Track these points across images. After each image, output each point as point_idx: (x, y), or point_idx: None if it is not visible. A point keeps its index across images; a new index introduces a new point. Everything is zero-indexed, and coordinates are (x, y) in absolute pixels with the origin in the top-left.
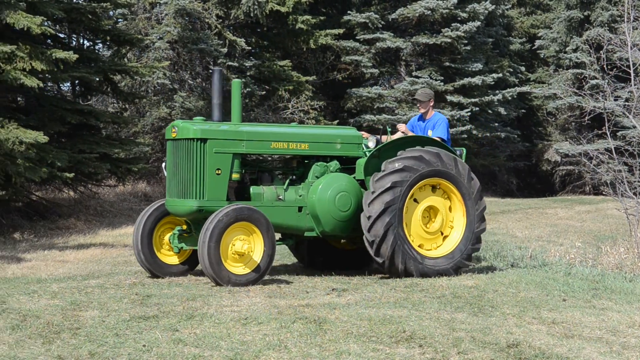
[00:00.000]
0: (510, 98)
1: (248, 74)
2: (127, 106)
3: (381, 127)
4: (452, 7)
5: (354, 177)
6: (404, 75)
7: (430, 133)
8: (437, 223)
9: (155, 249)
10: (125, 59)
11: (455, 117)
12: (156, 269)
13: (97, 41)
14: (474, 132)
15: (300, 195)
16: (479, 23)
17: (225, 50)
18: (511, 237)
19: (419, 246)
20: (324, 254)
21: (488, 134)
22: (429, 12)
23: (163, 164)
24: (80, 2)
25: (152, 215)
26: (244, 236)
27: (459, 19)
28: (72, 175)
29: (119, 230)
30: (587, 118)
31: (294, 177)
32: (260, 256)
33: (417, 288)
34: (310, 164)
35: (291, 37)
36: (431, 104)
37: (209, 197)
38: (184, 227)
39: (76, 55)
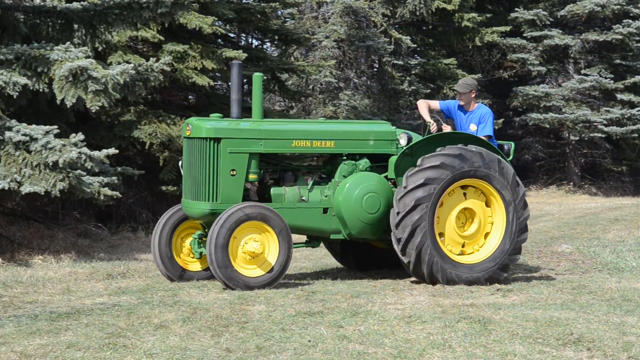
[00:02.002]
0: None
1: (413, 72)
2: (293, 104)
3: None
4: (624, 3)
5: (386, 176)
6: (572, 73)
7: (472, 127)
8: (473, 228)
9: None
10: (293, 58)
11: (626, 116)
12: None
13: (266, 40)
14: None
15: (325, 196)
16: None
17: (391, 48)
18: None
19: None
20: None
21: None
22: (599, 8)
23: (180, 163)
24: (250, 2)
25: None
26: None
27: (631, 15)
28: None
29: None
30: None
31: (320, 176)
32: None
33: (585, 290)
34: (338, 162)
35: (457, 34)
36: (473, 95)
37: (223, 200)
38: (204, 230)
39: (245, 54)
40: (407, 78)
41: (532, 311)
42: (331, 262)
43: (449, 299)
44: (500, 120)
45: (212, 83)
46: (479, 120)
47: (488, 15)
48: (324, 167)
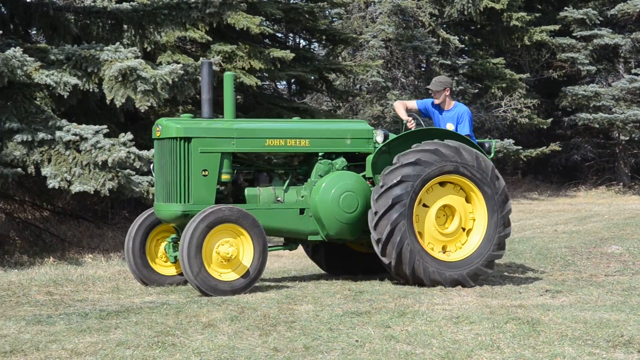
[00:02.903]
0: None
1: (461, 71)
2: (341, 104)
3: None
4: None
5: (363, 175)
6: (623, 72)
7: (449, 126)
8: (454, 225)
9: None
10: (340, 58)
11: None
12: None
13: (313, 40)
14: None
15: (302, 197)
16: None
17: (438, 47)
18: None
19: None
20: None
21: None
22: None
23: (151, 165)
24: (298, 2)
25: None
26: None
27: None
28: None
29: None
30: None
31: (296, 176)
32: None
33: (635, 292)
34: (314, 161)
35: (505, 34)
36: (447, 93)
37: (195, 201)
38: (178, 234)
39: (293, 54)
40: (455, 78)
41: (582, 312)
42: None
43: (497, 300)
44: (549, 120)
45: (259, 83)
46: (457, 119)
47: (537, 14)
48: (299, 167)
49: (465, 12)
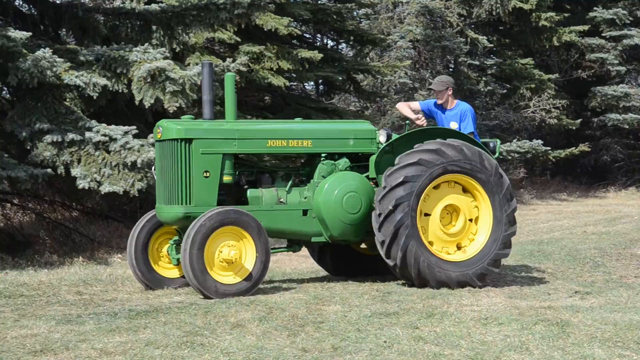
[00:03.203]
0: None
1: (489, 72)
2: (368, 105)
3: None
4: None
5: (367, 176)
6: None
7: (453, 125)
8: (459, 224)
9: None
10: (368, 58)
11: None
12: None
13: (341, 41)
14: None
15: (305, 198)
16: None
17: (466, 48)
18: None
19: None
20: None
21: None
22: None
23: (153, 168)
24: (326, 2)
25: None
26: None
27: None
28: None
29: None
30: None
31: (299, 177)
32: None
33: None
34: (316, 162)
35: (534, 34)
36: (449, 92)
37: (197, 202)
38: (180, 236)
39: (321, 55)
40: (483, 78)
41: (612, 314)
42: None
43: (525, 301)
44: (578, 121)
45: (287, 84)
46: (460, 118)
47: (566, 14)
48: (302, 168)
49: (494, 13)
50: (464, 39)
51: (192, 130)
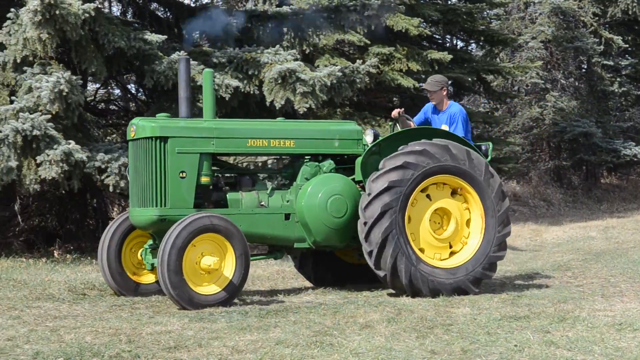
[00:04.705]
0: None
1: (624, 73)
2: (498, 106)
3: None
4: None
5: (353, 179)
6: None
7: (444, 127)
8: (450, 228)
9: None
10: (498, 59)
11: None
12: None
13: (471, 41)
14: None
15: (287, 201)
16: None
17: (600, 48)
18: None
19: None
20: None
21: None
22: None
23: (126, 169)
24: (456, 3)
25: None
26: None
27: None
28: None
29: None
30: None
31: (281, 180)
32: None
33: None
34: (300, 164)
35: None
36: (444, 93)
37: (172, 204)
38: (155, 241)
39: (450, 56)
40: (618, 79)
41: None
42: (536, 265)
43: None
44: None
45: (417, 85)
46: (450, 120)
47: None
48: (284, 170)
49: (630, 12)
50: (597, 39)
51: (168, 128)
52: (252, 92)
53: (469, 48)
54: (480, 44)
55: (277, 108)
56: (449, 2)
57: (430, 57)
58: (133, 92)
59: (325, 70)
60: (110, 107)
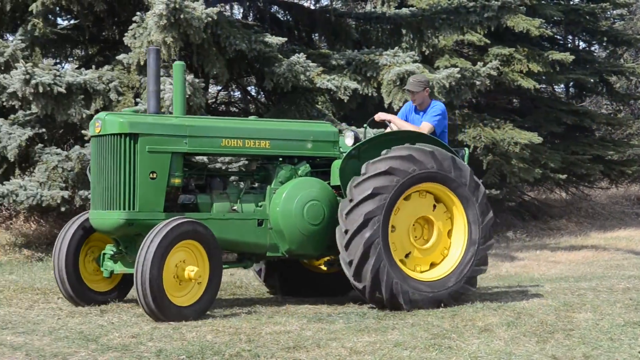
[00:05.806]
0: None
1: None
2: (621, 107)
3: None
4: None
5: (329, 183)
6: None
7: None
8: (432, 239)
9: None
10: (622, 60)
11: None
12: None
13: (593, 42)
14: None
15: (260, 206)
16: None
17: None
18: None
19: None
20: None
21: None
22: None
23: (88, 168)
24: (579, 3)
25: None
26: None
27: None
28: (564, 176)
29: (611, 233)
30: None
31: (253, 183)
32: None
33: None
34: (274, 166)
35: None
36: (427, 93)
37: (141, 208)
38: (115, 246)
39: (572, 57)
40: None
41: None
42: None
43: None
44: None
45: (537, 86)
46: (429, 112)
47: None
48: (257, 173)
49: None
50: None
51: (138, 124)
52: (370, 94)
53: (592, 48)
54: (604, 44)
55: (395, 110)
56: (571, 2)
57: (551, 58)
58: (253, 94)
59: (444, 72)
60: (231, 109)
